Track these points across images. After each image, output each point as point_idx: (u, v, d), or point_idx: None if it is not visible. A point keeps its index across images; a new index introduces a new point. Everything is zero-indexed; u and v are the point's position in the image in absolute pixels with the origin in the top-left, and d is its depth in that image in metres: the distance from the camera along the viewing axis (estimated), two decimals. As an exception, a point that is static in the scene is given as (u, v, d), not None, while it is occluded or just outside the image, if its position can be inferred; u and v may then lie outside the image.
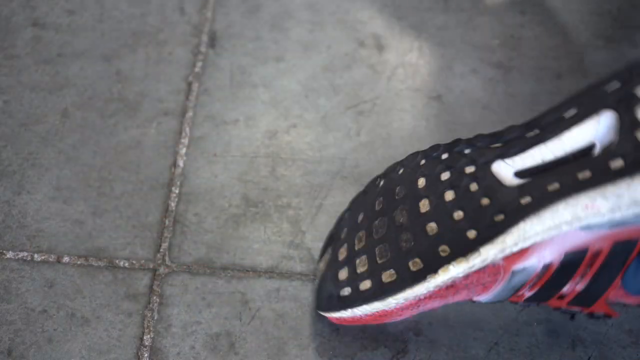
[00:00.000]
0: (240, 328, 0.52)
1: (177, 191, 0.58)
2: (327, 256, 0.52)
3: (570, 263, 0.46)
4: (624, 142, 0.44)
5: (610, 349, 0.52)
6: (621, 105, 0.45)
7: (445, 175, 0.48)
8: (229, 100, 0.63)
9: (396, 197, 0.49)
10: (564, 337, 0.52)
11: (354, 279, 0.48)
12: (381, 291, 0.47)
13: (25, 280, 0.53)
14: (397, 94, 0.64)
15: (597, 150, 0.45)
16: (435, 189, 0.48)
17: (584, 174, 0.44)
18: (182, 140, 0.61)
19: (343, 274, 0.49)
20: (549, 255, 0.45)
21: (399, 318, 0.48)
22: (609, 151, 0.44)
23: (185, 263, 0.54)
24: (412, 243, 0.47)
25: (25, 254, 0.55)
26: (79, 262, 0.54)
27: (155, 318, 0.52)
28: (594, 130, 0.46)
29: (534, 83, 0.65)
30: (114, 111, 0.62)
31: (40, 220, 0.56)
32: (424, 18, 0.69)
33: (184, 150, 0.60)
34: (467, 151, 0.49)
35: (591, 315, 0.48)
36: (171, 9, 0.68)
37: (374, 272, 0.48)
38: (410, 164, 0.51)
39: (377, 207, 0.50)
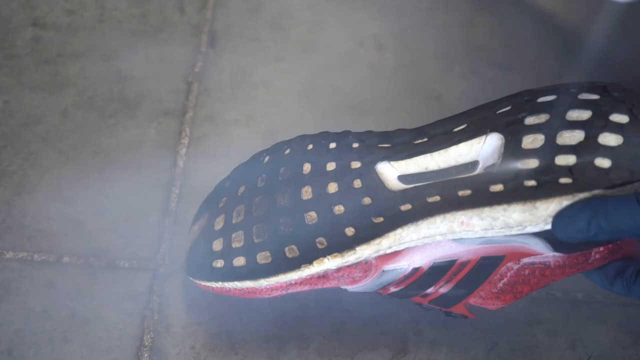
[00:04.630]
0: (240, 328, 0.52)
1: (177, 191, 0.58)
2: (202, 221, 0.52)
3: (438, 269, 0.48)
4: (505, 168, 0.46)
5: (610, 349, 0.52)
6: (508, 130, 0.47)
7: (331, 166, 0.50)
8: (229, 100, 0.63)
9: (280, 178, 0.50)
10: (564, 337, 0.52)
11: (228, 253, 0.49)
12: (254, 271, 0.48)
13: (25, 280, 0.53)
14: (397, 94, 0.64)
15: (479, 167, 0.47)
16: (319, 178, 0.49)
17: (465, 192, 0.46)
18: (182, 140, 0.61)
19: (217, 245, 0.50)
20: (419, 260, 0.47)
21: (267, 296, 0.49)
22: (491, 174, 0.46)
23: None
24: (291, 229, 0.48)
25: (25, 254, 0.55)
26: (79, 262, 0.54)
27: (155, 318, 0.52)
28: (480, 148, 0.48)
29: (534, 83, 0.65)
30: (114, 111, 0.62)
31: (40, 220, 0.56)
32: (424, 18, 0.69)
33: (184, 150, 0.60)
34: (355, 145, 0.50)
35: (449, 314, 0.50)
36: (171, 9, 0.68)
37: (249, 251, 0.49)
38: (298, 146, 0.51)
39: (259, 184, 0.51)
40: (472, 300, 0.48)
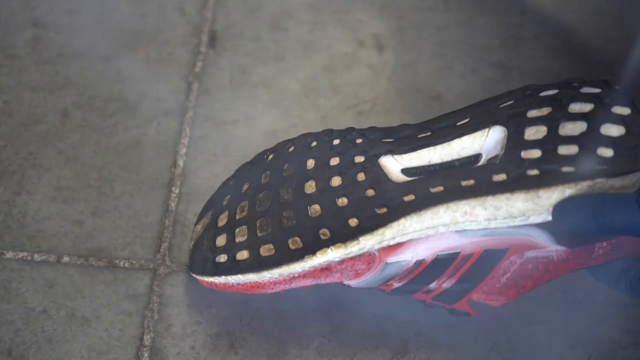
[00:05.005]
0: (240, 328, 0.52)
1: (177, 191, 0.58)
2: (205, 220, 0.52)
3: (441, 262, 0.48)
4: (508, 158, 0.46)
5: (610, 349, 0.52)
6: (511, 123, 0.47)
7: (334, 161, 0.50)
8: (229, 100, 0.63)
9: (284, 174, 0.50)
10: (564, 337, 0.52)
11: (231, 247, 0.49)
12: (258, 264, 0.48)
13: (25, 280, 0.53)
14: (397, 94, 0.64)
15: (482, 160, 0.48)
16: (323, 173, 0.49)
17: (468, 182, 0.46)
18: (182, 140, 0.61)
19: (221, 240, 0.50)
20: (423, 252, 0.47)
21: (270, 291, 0.49)
22: (494, 164, 0.46)
23: (185, 263, 0.54)
24: (294, 221, 0.48)
25: (25, 254, 0.55)
26: (79, 262, 0.54)
27: (155, 318, 0.52)
28: (483, 141, 0.48)
29: (534, 83, 0.65)
30: (114, 111, 0.62)
31: (40, 220, 0.56)
32: (424, 18, 0.69)
33: (184, 150, 0.60)
34: (358, 141, 0.50)
35: (452, 311, 0.50)
36: (171, 9, 0.68)
37: (252, 244, 0.49)
38: (302, 143, 0.52)
39: (263, 180, 0.51)
40: (476, 295, 0.48)
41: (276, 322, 0.52)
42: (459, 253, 0.47)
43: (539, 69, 0.65)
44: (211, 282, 0.50)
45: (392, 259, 0.48)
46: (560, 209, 0.44)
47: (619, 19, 0.69)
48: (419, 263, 0.48)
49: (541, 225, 0.45)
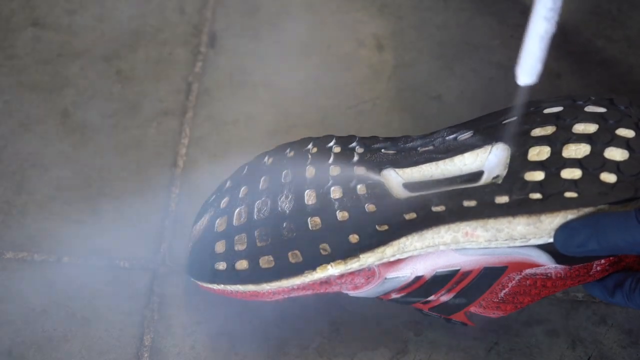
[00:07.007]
0: (240, 328, 0.52)
1: (177, 191, 0.58)
2: (204, 222, 0.52)
3: (440, 278, 0.47)
4: (511, 179, 0.46)
5: (610, 349, 0.52)
6: (515, 142, 0.47)
7: (335, 171, 0.49)
8: (229, 100, 0.63)
9: (282, 181, 0.50)
10: (564, 337, 0.52)
11: (230, 256, 0.49)
12: (257, 276, 0.48)
13: (25, 280, 0.53)
14: (397, 94, 0.64)
15: (484, 178, 0.47)
16: (323, 183, 0.49)
17: (470, 202, 0.46)
18: (182, 141, 0.60)
19: (220, 247, 0.49)
20: (422, 269, 0.47)
21: (268, 300, 0.49)
22: (496, 185, 0.46)
23: (185, 264, 0.54)
24: (294, 234, 0.48)
25: (25, 254, 0.55)
26: (79, 262, 0.54)
27: (155, 318, 0.52)
28: (485, 159, 0.48)
29: (534, 83, 0.64)
30: (114, 111, 0.62)
31: (40, 220, 0.56)
32: (424, 18, 0.69)
33: (184, 150, 0.60)
34: (359, 150, 0.50)
35: (449, 320, 0.50)
36: (171, 9, 0.68)
37: (252, 254, 0.48)
38: (302, 148, 0.51)
39: (262, 186, 0.51)
40: (473, 309, 0.48)
41: (276, 322, 0.52)
42: (458, 270, 0.47)
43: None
44: (209, 287, 0.50)
45: (391, 274, 0.47)
46: (562, 232, 0.44)
47: (619, 19, 0.69)
48: (417, 278, 0.47)
49: (541, 246, 0.45)
